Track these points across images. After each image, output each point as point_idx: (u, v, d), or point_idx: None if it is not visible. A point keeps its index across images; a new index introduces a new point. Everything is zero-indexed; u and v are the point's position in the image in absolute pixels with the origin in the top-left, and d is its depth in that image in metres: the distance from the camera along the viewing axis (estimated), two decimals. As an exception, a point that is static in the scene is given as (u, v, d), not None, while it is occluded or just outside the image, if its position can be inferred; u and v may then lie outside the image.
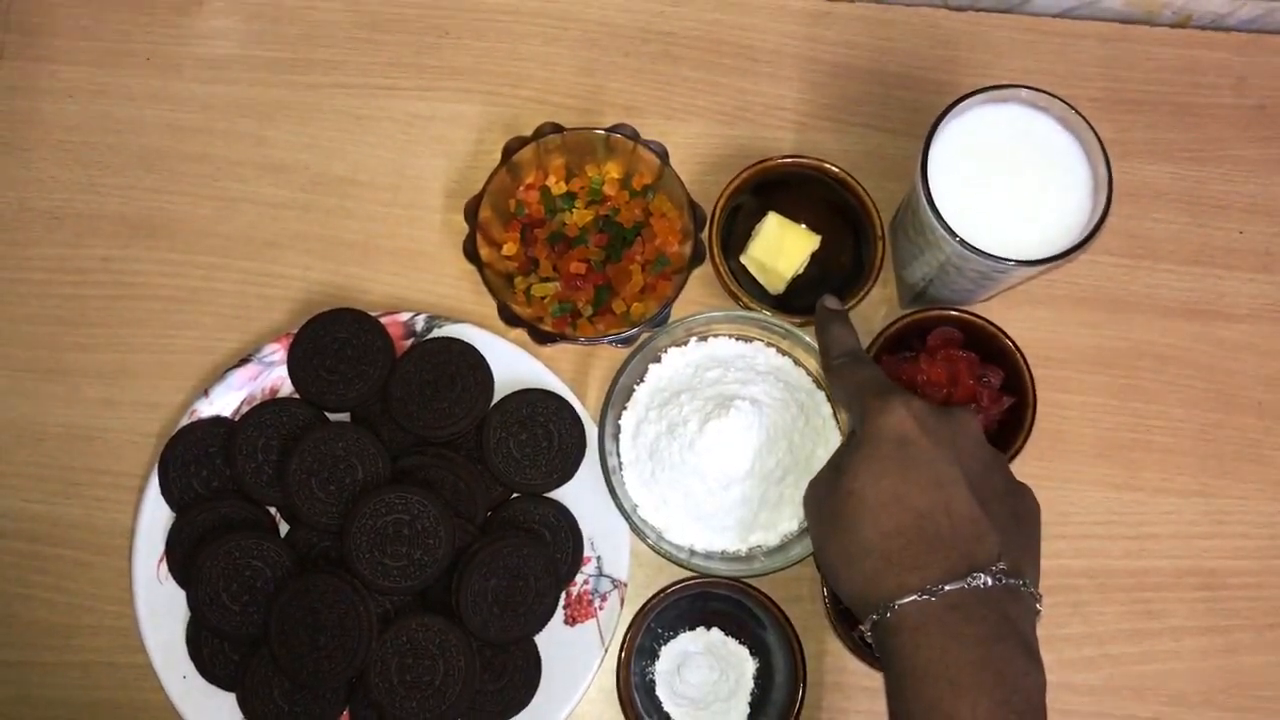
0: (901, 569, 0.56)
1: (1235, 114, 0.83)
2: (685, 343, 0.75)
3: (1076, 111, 0.67)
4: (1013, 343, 0.72)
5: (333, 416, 0.75)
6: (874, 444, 0.59)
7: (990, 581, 0.55)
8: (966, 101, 0.68)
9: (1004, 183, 0.68)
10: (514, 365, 0.76)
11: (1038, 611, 0.58)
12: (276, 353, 0.75)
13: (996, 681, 0.53)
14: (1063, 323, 0.79)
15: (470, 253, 0.74)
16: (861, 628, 0.59)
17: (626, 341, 0.75)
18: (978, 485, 0.58)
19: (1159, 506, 0.77)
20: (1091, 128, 0.67)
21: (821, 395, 0.74)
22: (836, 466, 0.61)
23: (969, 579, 0.55)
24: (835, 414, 0.74)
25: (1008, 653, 0.54)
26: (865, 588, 0.58)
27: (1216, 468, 0.78)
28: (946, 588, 0.55)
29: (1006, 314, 0.77)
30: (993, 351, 0.73)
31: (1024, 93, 0.68)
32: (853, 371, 0.64)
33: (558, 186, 0.78)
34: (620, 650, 0.71)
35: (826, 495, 0.61)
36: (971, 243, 0.65)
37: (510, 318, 0.74)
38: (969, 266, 0.68)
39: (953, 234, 0.65)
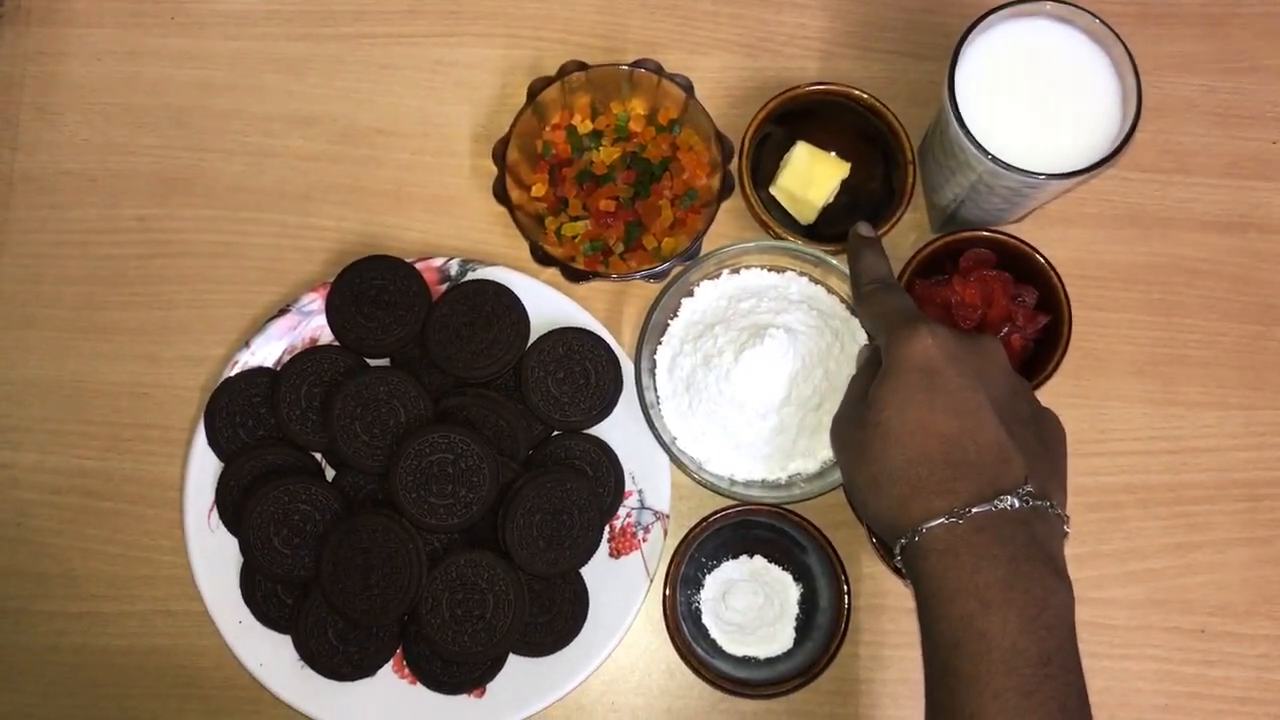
0: (929, 494, 0.57)
1: (1266, 23, 0.82)
2: (717, 275, 0.76)
3: (1103, 23, 0.67)
4: (1046, 261, 0.72)
5: (372, 362, 0.76)
6: (899, 373, 0.59)
7: (1017, 503, 0.56)
8: (991, 18, 0.67)
9: (1032, 98, 0.68)
10: (548, 305, 0.76)
11: (1065, 533, 0.58)
12: (314, 302, 0.76)
13: (1025, 599, 0.54)
14: (1096, 240, 0.79)
15: (500, 195, 0.75)
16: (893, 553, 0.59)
17: (658, 276, 0.76)
18: (1003, 411, 0.58)
19: (1198, 420, 0.77)
20: (1119, 38, 0.66)
21: (856, 322, 0.74)
22: (862, 397, 0.62)
23: (995, 501, 0.56)
24: (870, 340, 0.74)
25: (1036, 571, 0.55)
26: (894, 514, 0.58)
27: (1255, 380, 0.78)
28: (974, 510, 0.56)
29: (1039, 234, 0.76)
30: (1027, 271, 0.73)
31: (1049, 6, 0.67)
32: (881, 299, 0.64)
33: (584, 125, 0.78)
34: (665, 580, 0.72)
35: (853, 426, 0.62)
36: (1002, 159, 0.65)
37: (542, 258, 0.74)
38: (1000, 184, 0.68)
39: (984, 151, 0.65)
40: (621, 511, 0.75)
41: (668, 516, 0.74)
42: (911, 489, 0.58)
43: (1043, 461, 0.59)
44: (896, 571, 0.72)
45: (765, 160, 0.78)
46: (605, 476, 0.75)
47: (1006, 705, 0.53)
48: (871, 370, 0.63)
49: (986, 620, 0.54)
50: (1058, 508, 0.58)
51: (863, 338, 0.74)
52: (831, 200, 0.77)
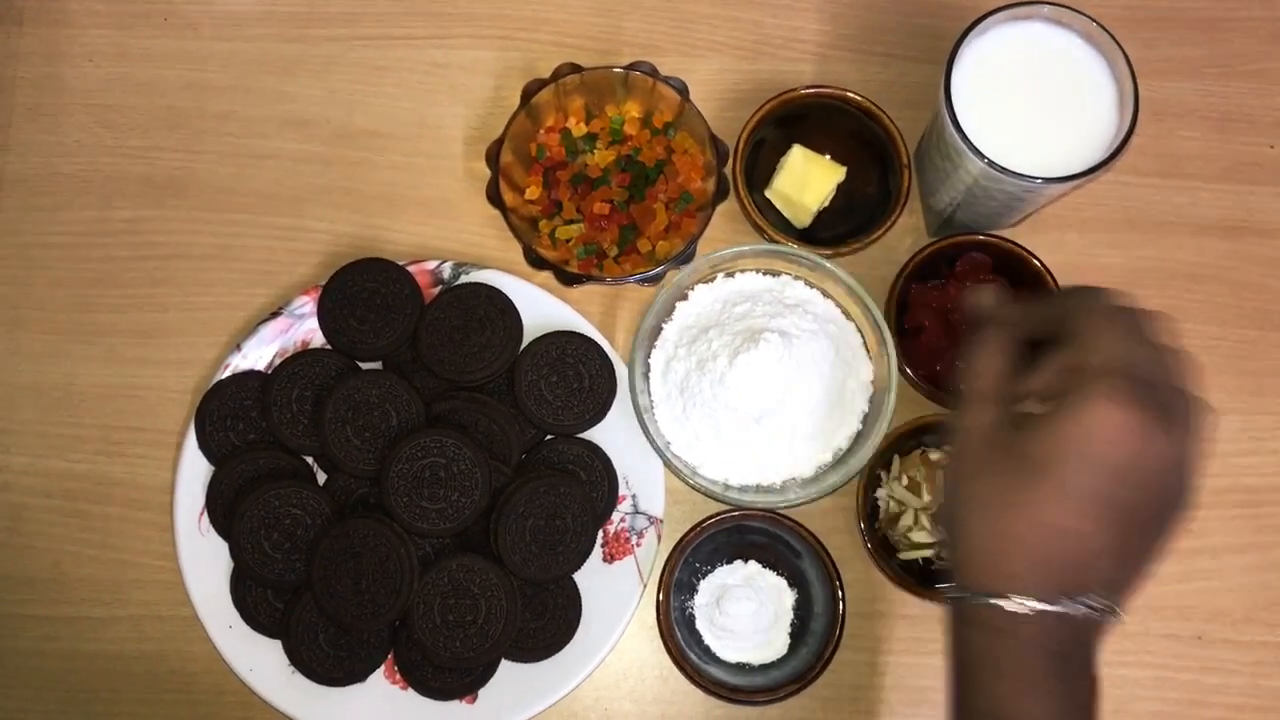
0: (1024, 575, 0.52)
1: (1264, 26, 0.82)
2: (712, 279, 0.75)
3: (1100, 26, 0.66)
4: (1043, 265, 0.72)
5: (364, 366, 0.75)
6: (1086, 447, 0.51)
7: (1091, 613, 0.52)
8: (988, 21, 0.67)
9: (1029, 102, 0.67)
10: (542, 308, 0.76)
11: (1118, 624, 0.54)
12: (306, 305, 0.76)
13: (1066, 689, 0.52)
14: (1092, 245, 0.79)
15: (494, 198, 0.74)
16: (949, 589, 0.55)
17: (653, 280, 0.75)
18: (1146, 508, 0.53)
19: (1195, 426, 0.77)
20: (1116, 42, 0.66)
21: (851, 326, 0.74)
22: (1051, 431, 0.53)
23: (1074, 605, 0.51)
24: (865, 344, 0.74)
25: (1076, 667, 0.52)
26: (983, 558, 0.54)
27: (1253, 385, 0.77)
28: (1049, 608, 0.51)
29: (1035, 238, 0.76)
30: (1022, 275, 0.73)
31: (1046, 9, 0.67)
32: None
33: (578, 128, 0.78)
34: (659, 585, 0.72)
35: (1004, 453, 0.54)
36: (998, 163, 0.64)
37: (536, 261, 0.74)
38: (996, 188, 0.67)
39: (980, 155, 0.64)
40: (615, 516, 0.74)
41: (661, 521, 0.74)
42: (1014, 556, 0.52)
43: (1141, 560, 0.54)
44: (893, 580, 0.71)
45: (761, 163, 0.78)
46: (599, 481, 0.74)
47: None
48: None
49: (1031, 702, 0.52)
50: (1120, 610, 0.54)
51: (857, 341, 0.74)
52: (827, 204, 0.76)
